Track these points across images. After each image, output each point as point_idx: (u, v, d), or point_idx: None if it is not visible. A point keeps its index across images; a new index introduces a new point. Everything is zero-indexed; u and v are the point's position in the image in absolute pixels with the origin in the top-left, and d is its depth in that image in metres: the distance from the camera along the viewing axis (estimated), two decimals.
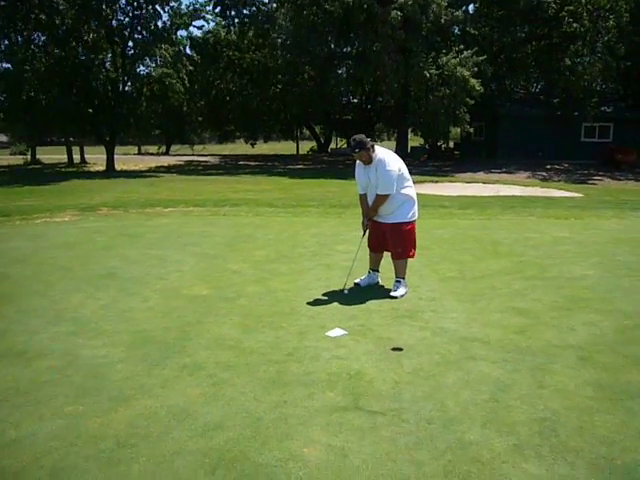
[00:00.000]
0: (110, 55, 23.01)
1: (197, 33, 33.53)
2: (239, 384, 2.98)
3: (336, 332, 3.73)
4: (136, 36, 22.57)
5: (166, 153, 41.12)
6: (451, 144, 35.45)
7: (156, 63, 23.24)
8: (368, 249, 4.93)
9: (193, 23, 24.65)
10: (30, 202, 12.12)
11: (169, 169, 24.08)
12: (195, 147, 45.84)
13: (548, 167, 23.59)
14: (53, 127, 24.90)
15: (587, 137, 26.47)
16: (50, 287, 5.05)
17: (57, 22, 20.54)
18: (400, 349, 3.44)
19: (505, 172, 21.69)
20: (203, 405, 2.75)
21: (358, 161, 4.60)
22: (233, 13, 29.53)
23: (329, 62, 26.40)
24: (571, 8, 23.98)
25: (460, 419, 2.58)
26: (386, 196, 4.44)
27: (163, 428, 2.54)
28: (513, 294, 4.67)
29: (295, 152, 39.65)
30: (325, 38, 25.49)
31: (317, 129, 39.16)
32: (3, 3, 20.51)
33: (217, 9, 28.82)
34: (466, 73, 22.00)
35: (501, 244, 6.90)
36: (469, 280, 5.13)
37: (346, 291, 4.64)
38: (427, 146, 31.18)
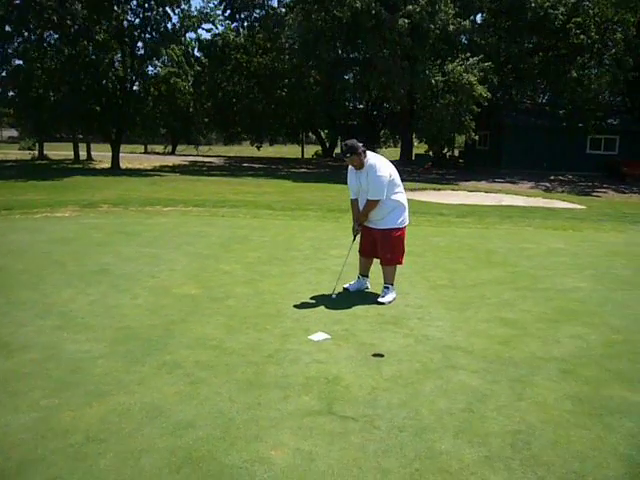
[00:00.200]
0: (119, 55, 23.20)
1: (206, 36, 33.82)
2: (215, 384, 2.97)
3: (319, 336, 3.72)
4: (146, 36, 22.78)
5: (172, 153, 41.34)
6: (456, 152, 35.43)
7: (164, 63, 23.40)
8: (358, 254, 4.93)
9: (202, 26, 24.76)
10: (32, 197, 12.20)
11: (173, 169, 24.19)
12: (201, 148, 46.03)
13: (552, 178, 23.53)
14: (61, 124, 25.08)
15: (593, 149, 26.39)
16: (42, 281, 5.07)
17: (69, 22, 20.76)
18: (381, 355, 3.42)
19: (509, 182, 21.65)
20: (177, 403, 2.74)
21: (350, 166, 4.60)
22: (242, 16, 29.74)
23: (336, 67, 26.50)
24: (579, 20, 23.98)
25: (433, 428, 2.56)
26: (376, 201, 4.44)
27: (135, 425, 2.54)
28: (502, 304, 4.64)
29: (300, 156, 39.76)
30: (333, 43, 25.60)
31: (322, 134, 39.24)
32: (17, 2, 20.74)
33: (227, 12, 29.04)
34: (472, 79, 22.02)
35: (495, 253, 6.87)
36: (459, 289, 5.11)
37: (334, 295, 4.64)
38: (431, 154, 31.17)
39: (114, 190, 14.03)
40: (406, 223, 4.67)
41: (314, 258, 6.33)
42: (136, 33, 22.65)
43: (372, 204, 4.47)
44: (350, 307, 4.41)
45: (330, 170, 26.09)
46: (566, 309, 4.55)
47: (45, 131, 26.55)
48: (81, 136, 29.95)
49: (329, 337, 3.72)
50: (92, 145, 31.15)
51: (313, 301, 4.57)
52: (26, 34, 21.95)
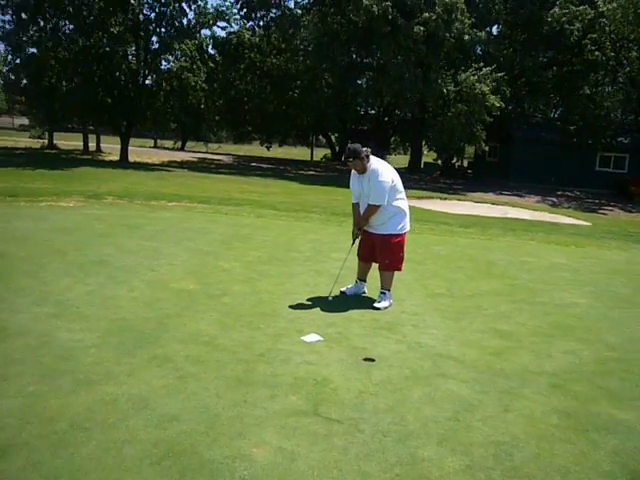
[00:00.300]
0: (134, 48, 23.36)
1: (221, 34, 33.98)
2: (204, 379, 2.98)
3: (311, 337, 3.72)
4: (161, 31, 22.94)
5: (181, 149, 41.51)
6: (465, 163, 35.38)
7: (177, 58, 23.54)
8: (357, 258, 4.93)
9: (217, 24, 24.90)
10: (39, 185, 12.29)
11: (181, 164, 24.30)
12: (210, 145, 46.19)
13: (559, 193, 23.45)
14: (72, 114, 25.25)
15: (602, 166, 26.29)
16: (41, 269, 5.11)
17: (84, 13, 20.94)
18: (372, 360, 3.42)
19: (516, 195, 21.59)
20: (164, 397, 2.76)
21: (353, 170, 4.61)
22: (258, 15, 29.87)
23: (349, 71, 26.56)
24: (594, 36, 23.92)
25: (417, 434, 2.56)
26: (377, 206, 4.45)
27: (120, 415, 2.55)
28: (498, 316, 4.63)
29: (309, 158, 39.83)
30: (347, 47, 25.67)
31: (333, 137, 39.29)
32: None
33: (243, 11, 29.17)
34: (485, 89, 22.00)
35: (496, 265, 6.86)
36: (456, 298, 5.10)
37: (330, 298, 4.64)
38: (440, 162, 31.14)
39: (120, 183, 14.11)
40: (406, 229, 4.67)
41: (314, 260, 6.34)
42: (151, 27, 22.80)
43: (373, 209, 4.47)
44: (345, 311, 4.41)
45: (338, 174, 26.12)
46: (562, 324, 4.53)
47: (56, 121, 26.73)
48: (92, 127, 30.14)
49: (322, 339, 3.73)
50: (102, 137, 31.32)
51: (309, 303, 4.57)
52: (42, 23, 22.15)
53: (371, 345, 3.70)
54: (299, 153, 45.12)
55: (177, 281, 4.99)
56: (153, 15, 22.97)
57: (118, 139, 24.57)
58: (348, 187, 4.79)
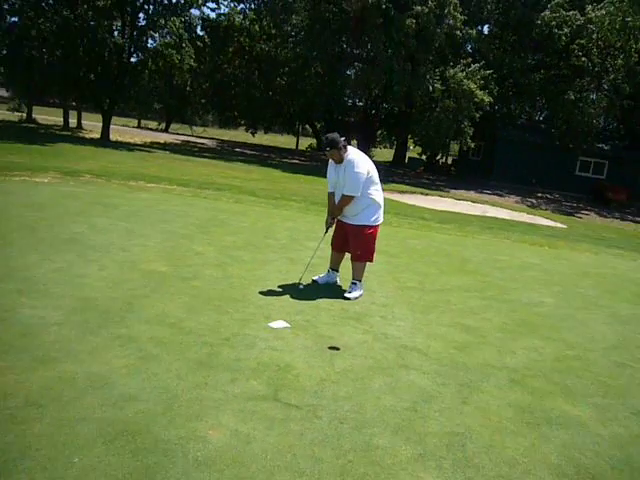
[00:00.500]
0: (119, 24, 22.82)
1: (211, 14, 33.37)
2: (166, 361, 2.97)
3: (279, 324, 3.73)
4: (150, 7, 22.42)
5: (165, 130, 40.90)
6: (449, 160, 35.63)
7: (162, 36, 23.07)
8: (331, 248, 4.94)
9: (207, 4, 24.45)
10: (14, 159, 12.00)
11: (164, 146, 23.95)
12: (195, 128, 45.58)
13: (539, 195, 23.82)
14: (52, 87, 24.63)
15: (582, 171, 26.76)
16: (9, 245, 5.00)
17: None
18: (337, 349, 3.45)
19: (496, 194, 21.86)
20: (124, 376, 2.74)
21: (330, 159, 4.60)
22: None
23: (339, 61, 26.41)
24: (582, 42, 24.20)
25: (373, 423, 2.59)
26: (351, 197, 4.46)
27: (77, 394, 2.53)
28: (466, 311, 4.70)
29: (294, 147, 39.63)
30: (338, 36, 25.49)
31: (319, 127, 39.09)
32: None
33: None
34: (472, 86, 22.12)
35: (469, 262, 6.95)
36: (427, 292, 5.16)
37: (301, 286, 4.65)
38: (424, 158, 31.30)
39: (99, 161, 13.86)
40: (379, 221, 4.70)
41: (289, 248, 6.33)
42: (138, 3, 22.29)
43: (347, 199, 4.48)
44: (315, 299, 4.42)
45: (321, 164, 26.05)
46: (527, 322, 4.62)
47: (35, 93, 26.04)
48: (73, 103, 29.44)
49: (289, 326, 3.74)
50: (83, 114, 30.68)
51: (280, 290, 4.58)
52: None
53: (338, 334, 3.73)
54: (285, 141, 44.85)
55: (148, 262, 4.94)
56: None
57: (100, 117, 24.07)
58: None
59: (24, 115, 29.71)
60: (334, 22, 24.90)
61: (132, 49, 22.86)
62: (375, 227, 4.65)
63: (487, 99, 22.53)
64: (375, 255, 4.84)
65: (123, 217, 6.87)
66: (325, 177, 4.83)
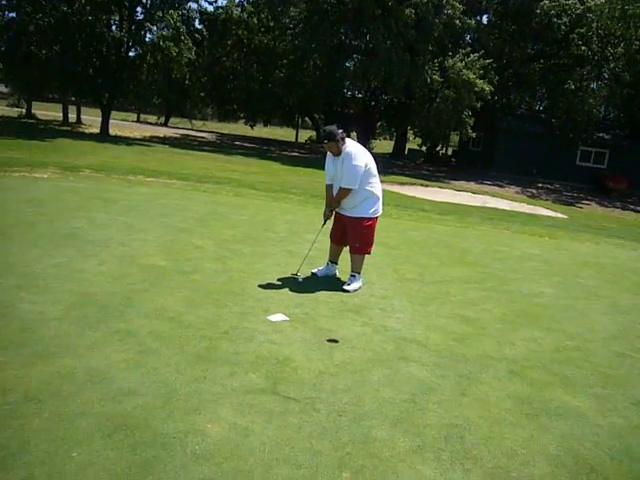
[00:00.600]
0: (117, 18, 22.68)
1: (209, 8, 33.14)
2: (165, 355, 2.97)
3: (277, 317, 3.73)
4: (145, 1, 22.26)
5: (164, 124, 40.76)
6: (449, 151, 35.52)
7: (159, 29, 22.93)
8: (329, 240, 4.93)
9: None
10: (13, 155, 11.97)
11: (163, 140, 23.89)
12: (195, 122, 45.44)
13: (540, 185, 23.76)
14: (51, 83, 24.54)
15: (582, 161, 26.67)
16: (8, 240, 5.00)
17: None
18: (336, 341, 3.45)
19: (496, 185, 21.81)
20: (123, 371, 2.74)
21: (328, 151, 4.59)
22: None
23: (337, 53, 26.25)
24: (582, 31, 24.02)
25: (372, 415, 2.60)
26: (349, 190, 4.44)
27: (76, 388, 2.53)
28: (465, 302, 4.70)
29: (294, 139, 39.49)
30: (337, 28, 25.32)
31: (318, 119, 38.93)
32: None
33: None
34: (471, 76, 21.98)
35: (469, 253, 6.94)
36: (426, 284, 5.16)
37: (300, 279, 4.65)
38: (424, 149, 31.19)
39: (99, 156, 13.83)
40: (378, 214, 4.68)
41: (289, 241, 6.33)
42: None
43: (344, 192, 4.47)
44: (314, 292, 4.42)
45: (321, 156, 25.92)
46: (527, 312, 4.62)
47: (34, 89, 25.96)
48: (73, 98, 29.35)
49: (287, 319, 3.74)
50: (83, 109, 30.60)
51: (279, 283, 4.58)
52: None
53: (337, 327, 3.73)
54: (284, 134, 44.71)
55: (148, 257, 4.93)
56: None
57: (99, 112, 24.00)
58: None
59: (23, 111, 29.64)
60: (332, 14, 24.73)
61: (130, 43, 22.74)
62: (374, 219, 4.64)
63: (487, 88, 22.39)
64: (374, 247, 4.83)
65: (122, 212, 6.87)
66: (324, 169, 4.81)
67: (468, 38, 26.91)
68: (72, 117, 29.06)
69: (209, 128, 42.64)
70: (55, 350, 2.90)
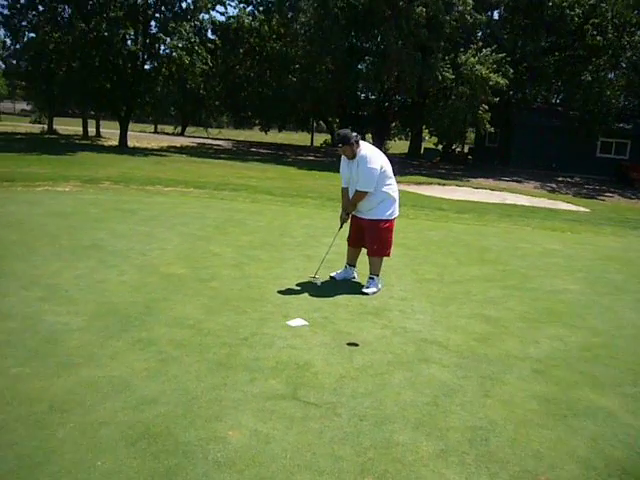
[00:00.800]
0: (132, 33, 23.10)
1: (220, 18, 33.55)
2: (186, 363, 3.00)
3: (297, 322, 3.73)
4: (161, 16, 22.66)
5: (181, 134, 41.29)
6: (465, 149, 35.16)
7: (172, 39, 23.28)
8: (347, 243, 4.92)
9: (216, 8, 24.58)
10: (36, 170, 12.26)
11: (180, 150, 24.19)
12: (211, 130, 45.94)
13: (560, 179, 23.32)
14: (71, 99, 25.10)
15: (603, 152, 26.11)
16: (33, 253, 5.12)
17: None
18: (355, 344, 3.43)
19: (515, 181, 21.48)
20: (144, 379, 2.77)
21: (343, 155, 4.58)
22: (258, 0, 29.46)
23: (349, 56, 26.25)
24: (596, 21, 23.56)
25: (394, 419, 2.57)
26: (365, 192, 4.43)
27: (99, 398, 2.57)
28: (486, 301, 4.63)
29: (309, 143, 39.61)
30: (347, 31, 25.33)
31: (332, 122, 38.98)
32: None
33: None
34: (484, 71, 21.72)
35: (489, 251, 6.84)
36: (446, 284, 5.10)
37: (319, 283, 4.64)
38: (440, 148, 30.94)
39: (118, 168, 14.06)
40: (395, 215, 4.65)
41: (306, 245, 6.33)
42: (150, 12, 22.52)
43: (360, 195, 4.45)
44: (333, 296, 4.41)
45: (337, 159, 25.94)
46: (550, 310, 4.53)
47: (55, 105, 26.60)
48: (92, 113, 29.98)
49: (307, 323, 3.74)
50: (102, 122, 31.20)
51: (297, 287, 4.58)
52: (41, 8, 21.94)
53: (356, 330, 3.71)
54: (299, 138, 44.89)
55: (167, 265, 4.99)
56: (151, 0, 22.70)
57: (118, 124, 24.44)
58: None
59: (45, 127, 30.37)
60: (343, 17, 24.75)
61: (145, 56, 23.14)
62: (391, 221, 4.61)
63: (503, 81, 22.08)
64: (392, 249, 4.79)
65: (142, 222, 6.97)
66: (340, 172, 4.81)
67: (480, 34, 26.64)
68: (92, 131, 29.65)
69: (225, 136, 43.06)
70: (79, 360, 2.95)
